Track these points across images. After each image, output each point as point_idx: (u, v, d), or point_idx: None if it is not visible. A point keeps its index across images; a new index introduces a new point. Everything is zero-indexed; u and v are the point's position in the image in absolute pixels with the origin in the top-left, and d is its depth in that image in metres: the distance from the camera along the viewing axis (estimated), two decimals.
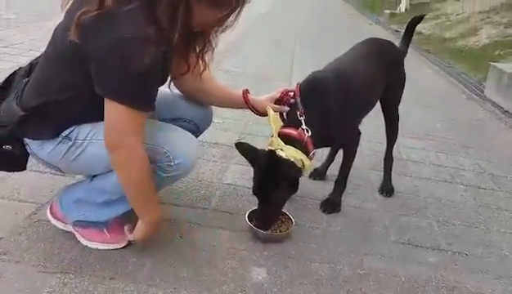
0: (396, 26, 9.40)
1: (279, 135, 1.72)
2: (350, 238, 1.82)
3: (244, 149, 1.75)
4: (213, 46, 1.49)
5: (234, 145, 1.77)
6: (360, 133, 1.96)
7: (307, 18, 9.94)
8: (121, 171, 1.38)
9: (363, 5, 14.53)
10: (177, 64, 1.46)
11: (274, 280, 1.51)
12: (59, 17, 1.38)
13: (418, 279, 1.62)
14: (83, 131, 1.42)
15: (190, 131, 1.58)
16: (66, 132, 1.41)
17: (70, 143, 1.41)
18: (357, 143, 1.96)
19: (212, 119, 1.85)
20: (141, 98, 1.31)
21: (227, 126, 2.86)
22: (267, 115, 1.85)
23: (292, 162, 1.66)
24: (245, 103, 1.82)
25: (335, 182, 2.03)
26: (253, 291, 1.45)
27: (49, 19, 5.37)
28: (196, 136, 1.66)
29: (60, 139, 1.41)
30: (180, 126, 1.56)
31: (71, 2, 1.34)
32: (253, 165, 1.74)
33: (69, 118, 1.41)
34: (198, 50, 1.47)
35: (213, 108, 1.73)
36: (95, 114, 1.35)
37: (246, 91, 1.83)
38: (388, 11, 11.35)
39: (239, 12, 1.35)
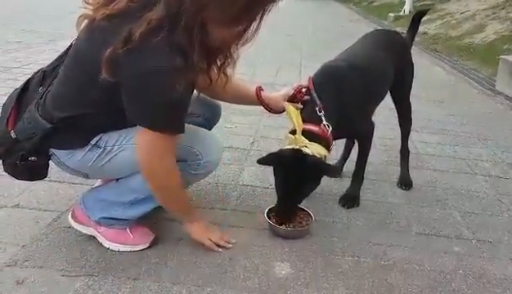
0: (401, 28, 9.39)
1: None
2: (372, 231, 1.80)
3: (267, 159, 1.70)
4: (235, 58, 1.48)
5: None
6: (373, 124, 1.94)
7: (312, 25, 9.98)
8: (155, 193, 1.47)
9: (367, 10, 14.59)
10: (200, 80, 1.45)
11: (298, 274, 1.49)
12: (65, 39, 1.40)
13: (444, 268, 1.59)
14: (112, 138, 1.45)
15: (201, 125, 1.62)
16: (95, 140, 1.44)
17: (100, 150, 1.44)
18: (371, 133, 1.94)
19: (221, 113, 1.85)
20: (174, 125, 1.36)
21: (240, 130, 2.86)
22: (280, 112, 1.84)
23: (320, 158, 1.65)
24: (258, 100, 1.81)
25: (352, 175, 2.01)
26: (278, 286, 1.43)
27: (55, 41, 5.52)
28: (209, 129, 1.71)
29: (89, 147, 1.44)
30: (192, 122, 1.57)
31: (86, 22, 1.36)
32: (278, 166, 1.70)
33: (97, 127, 1.44)
34: (219, 64, 1.47)
35: (226, 114, 1.73)
36: (122, 123, 1.43)
37: (259, 88, 1.83)
38: (392, 14, 11.37)
39: (258, 24, 1.34)
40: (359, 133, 1.95)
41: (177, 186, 1.47)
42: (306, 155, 1.63)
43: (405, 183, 2.21)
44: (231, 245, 1.60)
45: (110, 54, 1.23)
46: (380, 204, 2.03)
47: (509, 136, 3.16)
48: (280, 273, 1.49)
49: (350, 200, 1.97)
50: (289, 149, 1.67)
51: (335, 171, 1.73)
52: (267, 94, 1.85)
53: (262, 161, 1.70)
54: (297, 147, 1.66)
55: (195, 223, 1.59)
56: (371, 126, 1.93)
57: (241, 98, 1.85)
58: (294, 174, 1.64)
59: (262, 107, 1.86)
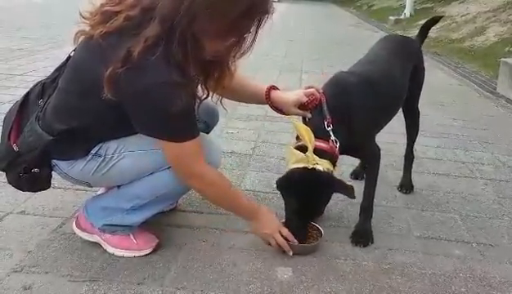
0: (402, 32, 9.42)
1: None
2: (373, 234, 1.81)
3: (283, 184, 1.65)
4: (232, 71, 1.51)
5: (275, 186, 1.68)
6: (379, 149, 1.82)
7: (312, 29, 10.01)
8: (204, 195, 1.64)
9: (367, 14, 14.62)
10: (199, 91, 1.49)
11: (300, 278, 1.51)
12: (66, 46, 1.42)
13: (445, 272, 1.61)
14: (111, 147, 1.47)
15: (200, 129, 1.62)
16: (95, 149, 1.46)
17: (101, 159, 1.47)
18: (379, 155, 1.81)
19: (218, 115, 1.86)
20: (187, 130, 1.39)
21: (241, 135, 2.88)
22: (286, 115, 1.79)
23: (332, 175, 1.60)
24: (266, 100, 1.77)
25: (361, 207, 1.81)
26: (280, 290, 1.45)
27: (57, 48, 5.57)
28: (207, 133, 1.74)
29: (90, 156, 1.46)
30: None
31: (83, 38, 1.39)
32: (290, 186, 1.63)
33: (97, 137, 1.47)
34: (216, 76, 1.49)
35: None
36: (121, 132, 1.46)
37: (271, 88, 1.77)
38: (392, 18, 11.38)
39: (254, 37, 1.36)
40: (366, 153, 1.84)
41: (219, 182, 1.52)
42: (319, 172, 1.57)
43: (406, 186, 2.22)
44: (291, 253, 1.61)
45: (110, 73, 1.27)
46: (381, 208, 2.04)
47: (510, 140, 3.17)
48: (283, 277, 1.51)
49: (363, 237, 1.75)
50: (301, 168, 1.59)
51: (351, 190, 1.63)
52: (278, 94, 1.77)
53: (280, 188, 1.67)
54: (310, 166, 1.58)
55: (255, 221, 1.62)
56: (377, 148, 1.82)
57: (247, 96, 1.82)
58: (309, 194, 1.60)
59: (264, 112, 1.87)
